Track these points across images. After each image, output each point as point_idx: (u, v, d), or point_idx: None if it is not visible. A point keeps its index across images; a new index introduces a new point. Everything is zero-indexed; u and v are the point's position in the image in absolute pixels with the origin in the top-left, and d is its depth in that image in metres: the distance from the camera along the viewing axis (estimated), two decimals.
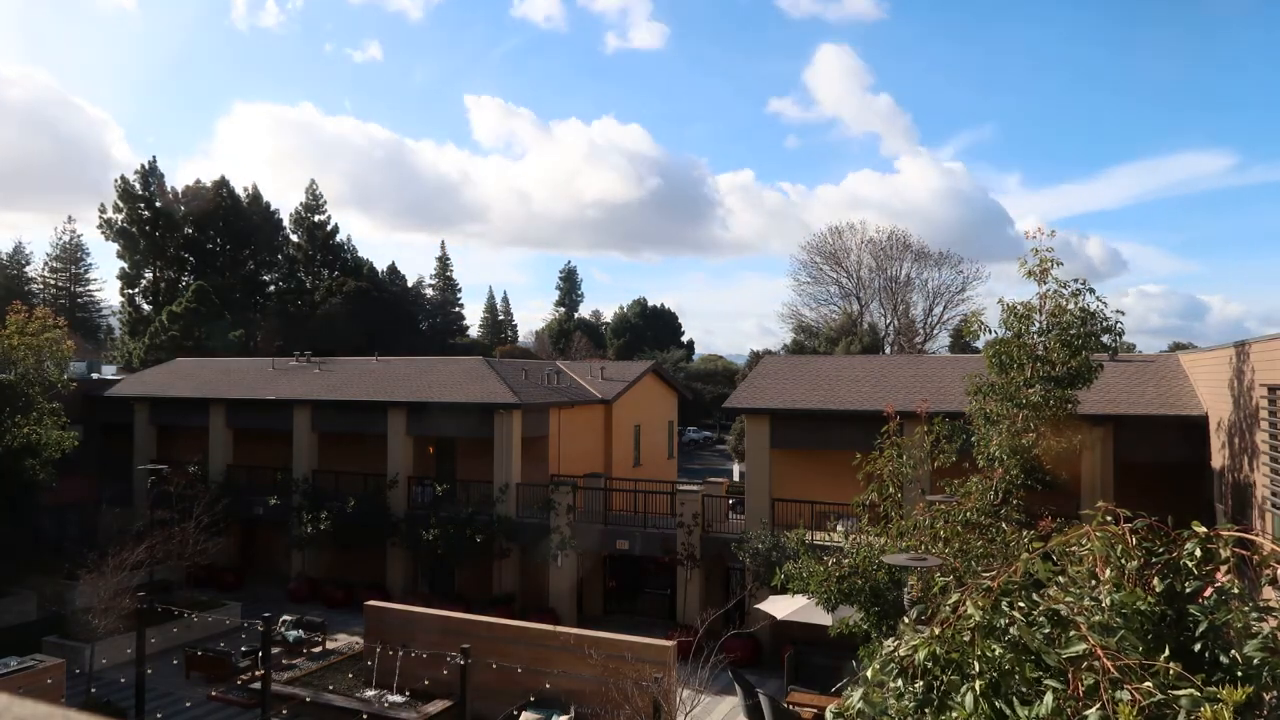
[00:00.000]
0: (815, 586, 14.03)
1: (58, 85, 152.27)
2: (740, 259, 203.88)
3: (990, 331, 16.26)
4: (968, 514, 13.49)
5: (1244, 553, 4.40)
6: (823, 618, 16.66)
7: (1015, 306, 15.69)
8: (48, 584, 27.37)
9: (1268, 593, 8.69)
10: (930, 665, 3.66)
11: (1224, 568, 4.20)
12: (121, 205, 69.71)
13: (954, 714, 3.45)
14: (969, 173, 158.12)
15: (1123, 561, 4.03)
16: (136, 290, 71.01)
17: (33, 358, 28.48)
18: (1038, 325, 15.61)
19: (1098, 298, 15.35)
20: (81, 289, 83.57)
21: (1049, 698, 3.22)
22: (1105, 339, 15.38)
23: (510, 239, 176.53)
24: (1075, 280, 15.49)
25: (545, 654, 19.41)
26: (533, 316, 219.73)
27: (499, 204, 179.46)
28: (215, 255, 73.65)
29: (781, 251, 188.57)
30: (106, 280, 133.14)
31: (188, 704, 21.70)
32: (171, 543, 24.94)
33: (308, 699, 20.12)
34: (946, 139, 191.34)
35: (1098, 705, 3.13)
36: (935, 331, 70.36)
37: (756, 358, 62.85)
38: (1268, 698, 3.58)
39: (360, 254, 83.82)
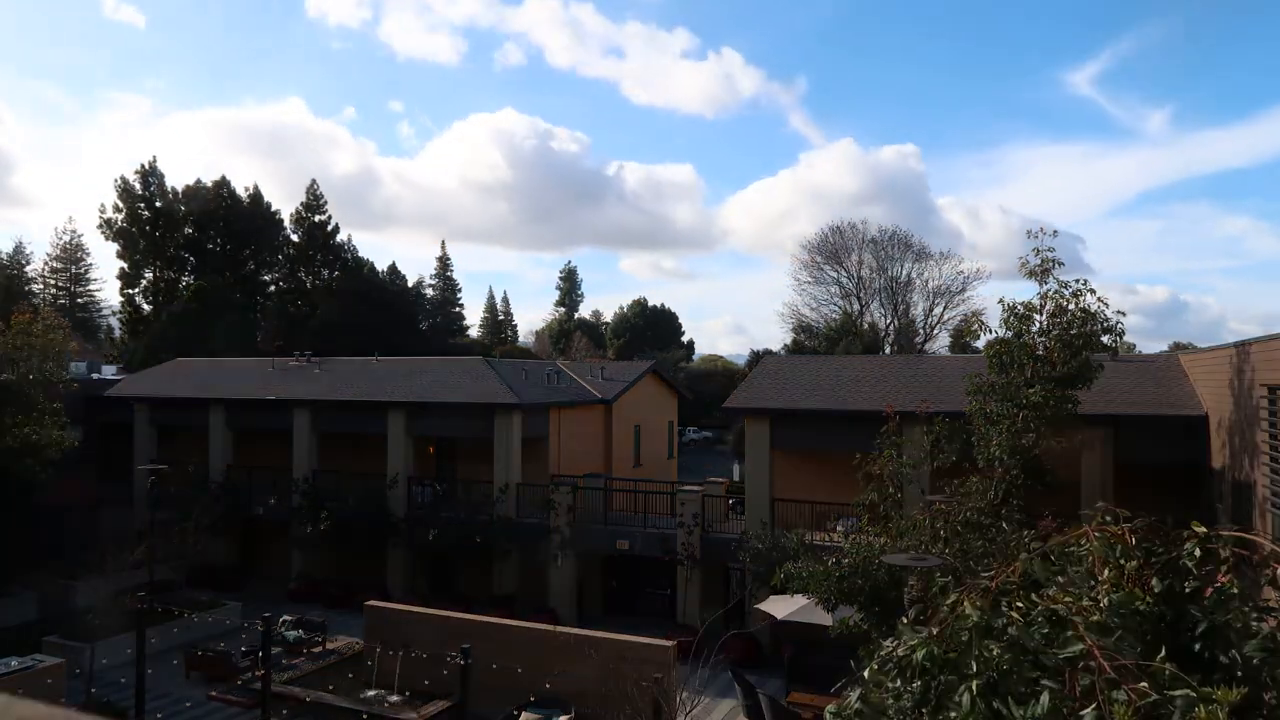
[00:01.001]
0: (815, 586, 14.05)
1: None
2: (703, 256, 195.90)
3: (990, 331, 16.28)
4: (968, 514, 13.50)
5: (1244, 553, 4.40)
6: (823, 618, 16.64)
7: (1016, 306, 15.72)
8: (48, 584, 27.39)
9: (1268, 593, 8.68)
10: (928, 665, 3.66)
11: (1224, 568, 4.19)
12: (121, 205, 69.66)
13: (951, 714, 3.45)
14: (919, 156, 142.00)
15: (1122, 562, 4.03)
16: (136, 290, 70.97)
17: (37, 358, 28.50)
18: (1038, 325, 15.62)
19: (1098, 298, 15.38)
20: (81, 289, 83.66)
21: (1045, 698, 3.22)
22: (1105, 339, 15.41)
23: (453, 234, 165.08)
24: (1076, 280, 15.52)
25: (545, 654, 19.41)
26: (533, 316, 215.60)
27: (408, 198, 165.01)
28: (215, 255, 73.59)
29: (749, 249, 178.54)
30: (106, 280, 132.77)
31: (188, 704, 21.70)
32: (171, 543, 24.96)
33: (308, 699, 20.12)
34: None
35: (1094, 705, 3.13)
36: (935, 331, 70.44)
37: (757, 358, 62.81)
38: (1267, 698, 3.57)
39: (360, 254, 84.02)
